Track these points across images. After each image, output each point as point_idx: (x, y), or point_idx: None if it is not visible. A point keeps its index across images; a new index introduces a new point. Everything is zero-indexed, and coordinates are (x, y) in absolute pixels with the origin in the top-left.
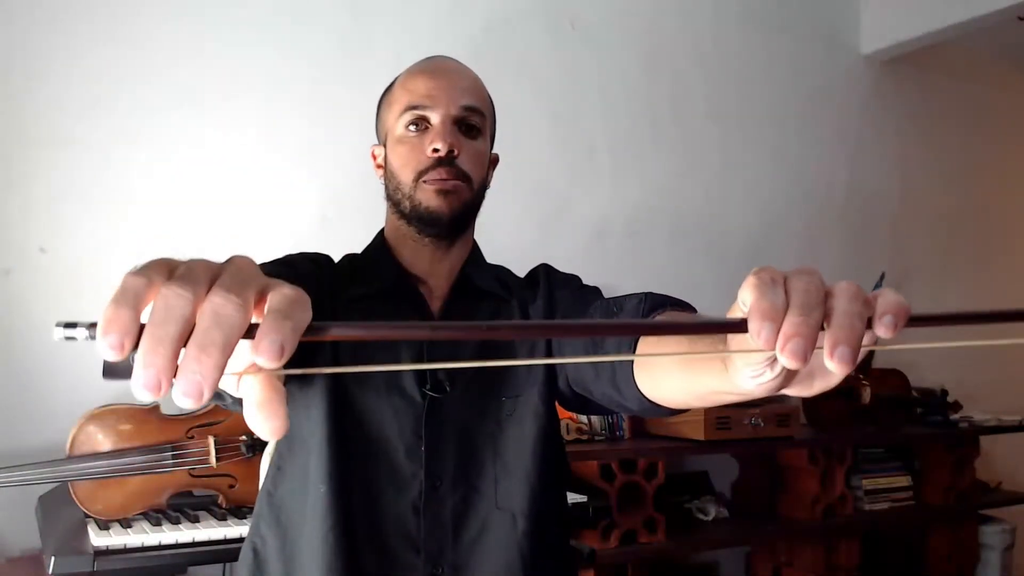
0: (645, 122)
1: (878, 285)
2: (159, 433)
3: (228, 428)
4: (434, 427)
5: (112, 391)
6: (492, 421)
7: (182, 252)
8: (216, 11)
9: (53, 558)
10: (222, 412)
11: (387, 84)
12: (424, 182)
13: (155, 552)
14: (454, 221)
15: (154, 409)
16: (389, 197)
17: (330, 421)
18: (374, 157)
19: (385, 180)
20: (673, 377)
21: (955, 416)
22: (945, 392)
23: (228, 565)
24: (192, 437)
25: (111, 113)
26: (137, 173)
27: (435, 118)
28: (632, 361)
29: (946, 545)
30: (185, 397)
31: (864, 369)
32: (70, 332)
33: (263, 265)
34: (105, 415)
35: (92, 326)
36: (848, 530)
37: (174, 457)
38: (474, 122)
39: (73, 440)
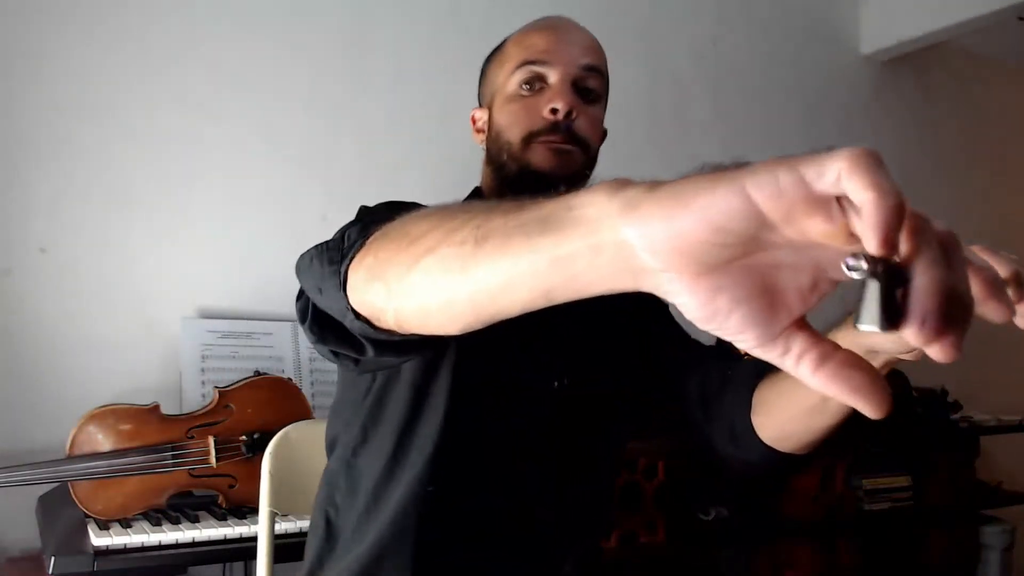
0: (645, 122)
1: None
2: (159, 433)
3: (228, 428)
4: (557, 437)
5: (112, 391)
6: (604, 429)
7: (182, 251)
8: (216, 11)
9: (53, 558)
10: (222, 412)
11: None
12: (537, 143)
13: (155, 552)
14: (566, 185)
15: (154, 409)
16: (491, 160)
17: (446, 422)
18: (473, 121)
19: (487, 143)
20: (796, 392)
21: (955, 416)
22: (945, 392)
23: (228, 565)
24: (192, 437)
25: (111, 113)
26: (137, 173)
27: (553, 76)
28: (748, 408)
29: (946, 545)
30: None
31: None
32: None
33: (377, 209)
34: (105, 415)
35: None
36: (848, 530)
37: (174, 457)
38: (592, 85)
39: (73, 440)
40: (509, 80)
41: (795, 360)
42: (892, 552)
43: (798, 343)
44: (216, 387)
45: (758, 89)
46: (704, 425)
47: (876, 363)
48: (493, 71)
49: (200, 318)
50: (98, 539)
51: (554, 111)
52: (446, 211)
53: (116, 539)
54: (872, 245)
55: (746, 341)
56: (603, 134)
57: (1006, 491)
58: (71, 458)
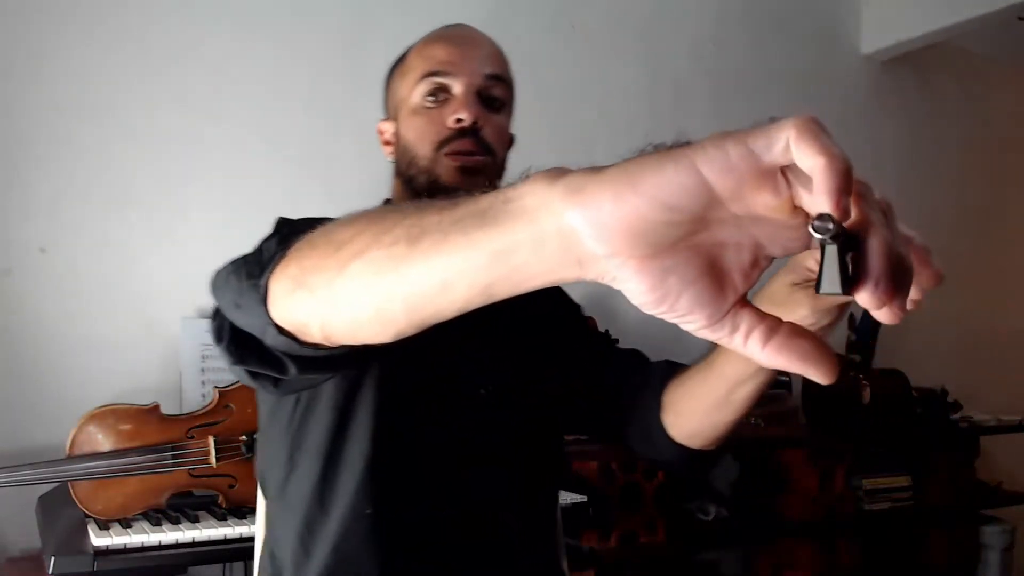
0: (645, 122)
1: None
2: (159, 433)
3: (228, 428)
4: (495, 439)
5: (112, 391)
6: (534, 429)
7: (182, 251)
8: (216, 11)
9: (53, 558)
10: (222, 412)
11: (398, 57)
12: (446, 155)
13: (155, 552)
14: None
15: (154, 409)
16: (400, 174)
17: (376, 441)
18: (381, 133)
19: (396, 156)
20: (702, 388)
21: (955, 416)
22: (945, 392)
23: (228, 565)
24: (192, 437)
25: (111, 113)
26: (137, 173)
27: (457, 87)
28: (659, 409)
29: (946, 545)
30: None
31: (864, 369)
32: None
33: (298, 221)
34: (105, 415)
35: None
36: (848, 530)
37: (174, 457)
38: (497, 94)
39: (73, 440)
40: (413, 92)
41: (744, 337)
42: (892, 552)
43: (745, 320)
44: (216, 387)
45: (758, 89)
46: (620, 426)
47: None
48: (396, 83)
49: (200, 318)
50: (98, 539)
51: (459, 121)
52: (374, 214)
53: (116, 539)
54: (827, 209)
55: (696, 322)
56: (510, 141)
57: (1006, 491)
58: (71, 458)
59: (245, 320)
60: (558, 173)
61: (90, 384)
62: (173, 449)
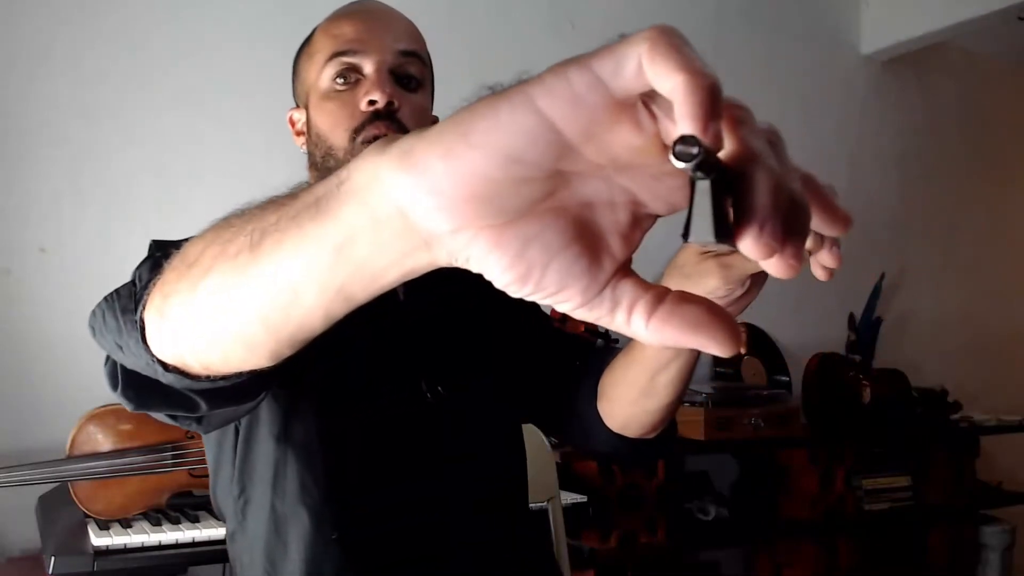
0: None
1: (878, 286)
2: (159, 433)
3: None
4: (449, 447)
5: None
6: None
7: None
8: (216, 11)
9: (53, 558)
10: None
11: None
12: (362, 142)
13: (155, 552)
14: None
15: None
16: (316, 166)
17: (325, 464)
18: (292, 123)
19: (309, 147)
20: (627, 375)
21: (955, 416)
22: (945, 392)
23: (228, 565)
24: (192, 437)
25: (111, 113)
26: (137, 173)
27: (368, 66)
28: (595, 400)
29: (946, 545)
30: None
31: (864, 369)
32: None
33: (170, 242)
34: (105, 415)
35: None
36: (848, 530)
37: (174, 457)
38: (413, 72)
39: (73, 440)
40: (321, 75)
41: (627, 313)
42: (892, 552)
43: (627, 293)
44: None
45: (758, 89)
46: (562, 417)
47: None
48: (304, 66)
49: None
50: (98, 539)
51: (372, 103)
52: (222, 222)
53: (116, 539)
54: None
55: (570, 300)
56: (433, 123)
57: (1006, 491)
58: (71, 458)
59: (132, 362)
60: (392, 139)
61: (90, 384)
62: (173, 449)
